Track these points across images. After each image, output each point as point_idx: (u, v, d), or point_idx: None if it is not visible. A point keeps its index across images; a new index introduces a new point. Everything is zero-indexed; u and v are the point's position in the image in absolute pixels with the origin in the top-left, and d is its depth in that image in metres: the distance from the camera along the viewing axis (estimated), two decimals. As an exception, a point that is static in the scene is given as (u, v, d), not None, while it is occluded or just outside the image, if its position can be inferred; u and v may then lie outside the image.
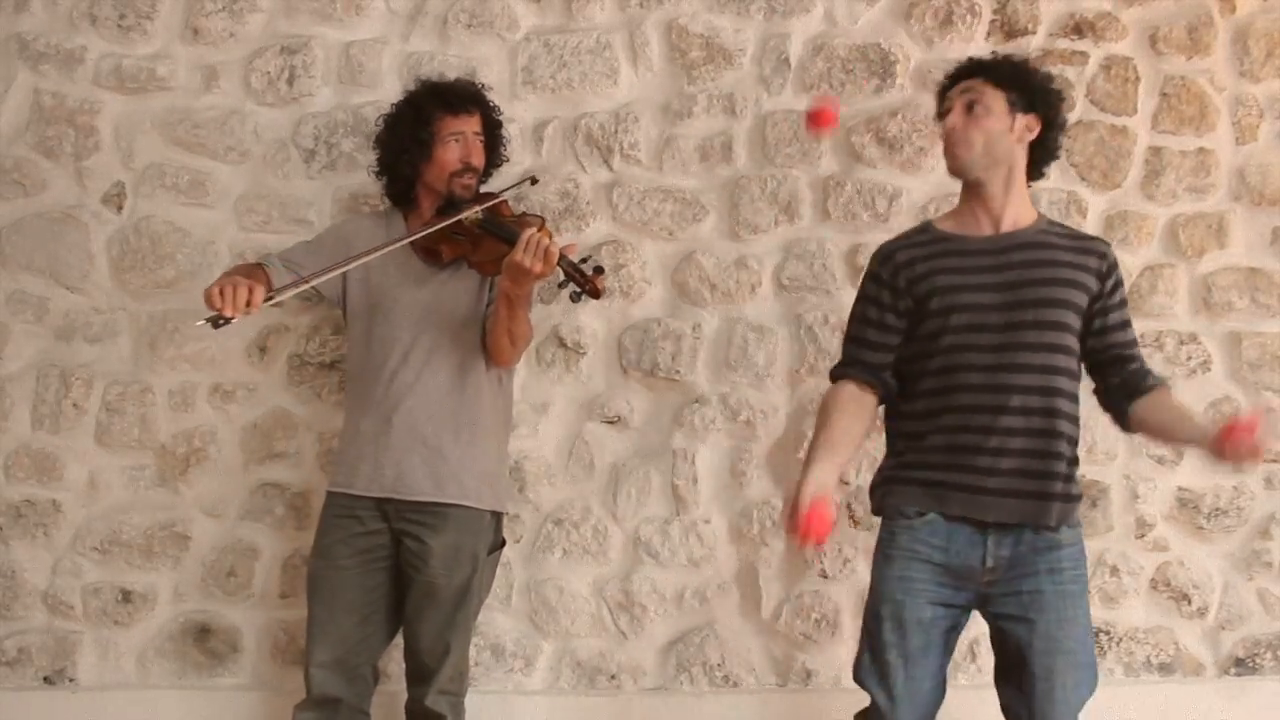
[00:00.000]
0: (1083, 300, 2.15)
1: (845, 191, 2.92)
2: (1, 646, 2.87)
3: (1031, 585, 2.08)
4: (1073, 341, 2.15)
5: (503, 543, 2.55)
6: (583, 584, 2.89)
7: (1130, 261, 2.94)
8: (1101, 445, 2.90)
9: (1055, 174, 2.92)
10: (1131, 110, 2.96)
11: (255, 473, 2.89)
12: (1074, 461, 2.15)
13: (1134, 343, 2.22)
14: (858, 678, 2.16)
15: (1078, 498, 2.16)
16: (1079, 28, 2.96)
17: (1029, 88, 2.20)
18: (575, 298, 2.35)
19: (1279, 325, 2.95)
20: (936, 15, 2.94)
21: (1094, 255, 2.18)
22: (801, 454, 2.84)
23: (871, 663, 2.13)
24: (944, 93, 2.26)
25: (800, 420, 2.88)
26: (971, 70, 2.22)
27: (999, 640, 2.15)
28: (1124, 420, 2.21)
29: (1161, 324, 2.94)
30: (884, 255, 2.26)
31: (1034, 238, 2.18)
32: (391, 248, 2.38)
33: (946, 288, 2.15)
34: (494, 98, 2.83)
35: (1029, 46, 2.94)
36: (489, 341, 2.42)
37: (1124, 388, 2.20)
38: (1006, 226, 2.19)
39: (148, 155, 2.92)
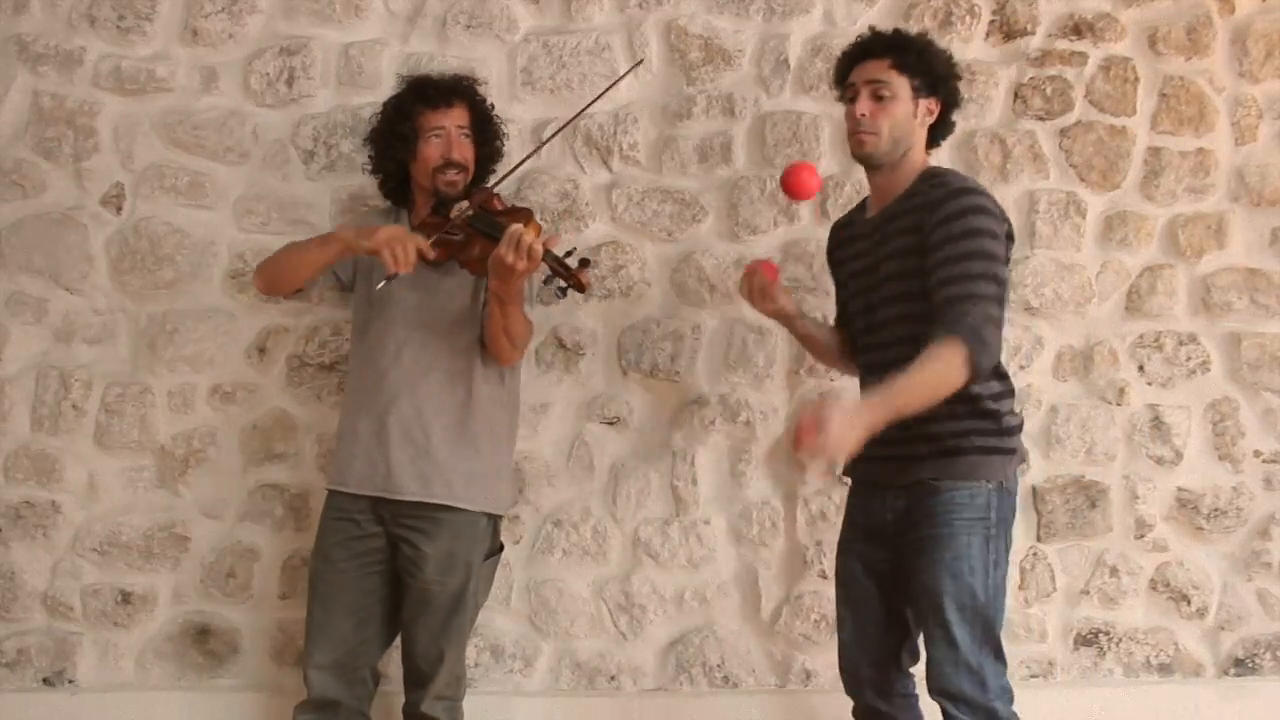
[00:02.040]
0: (917, 262, 2.12)
1: (844, 192, 2.92)
2: (1, 648, 2.87)
3: (915, 533, 2.15)
4: (926, 307, 2.08)
5: (500, 548, 2.55)
6: (582, 585, 2.89)
7: (1130, 262, 2.95)
8: (1101, 446, 2.91)
9: (1054, 174, 2.94)
10: (1130, 111, 2.96)
11: (254, 474, 2.89)
12: (954, 418, 2.09)
13: (942, 285, 2.05)
14: None
15: (971, 453, 2.13)
16: (1078, 28, 2.96)
17: (933, 73, 2.23)
18: (561, 293, 2.34)
19: (1278, 326, 2.95)
20: (935, 16, 2.94)
21: (923, 207, 2.13)
22: (800, 455, 2.86)
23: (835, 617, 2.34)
24: (845, 70, 2.28)
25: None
26: (875, 51, 2.23)
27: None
28: None
29: (1161, 324, 2.94)
30: (830, 233, 2.49)
31: (896, 208, 2.21)
32: (442, 233, 2.39)
33: (843, 275, 2.39)
34: (493, 99, 2.83)
35: (1028, 47, 2.94)
36: (488, 342, 2.42)
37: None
38: (888, 202, 2.24)
39: (147, 156, 2.92)
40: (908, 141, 2.22)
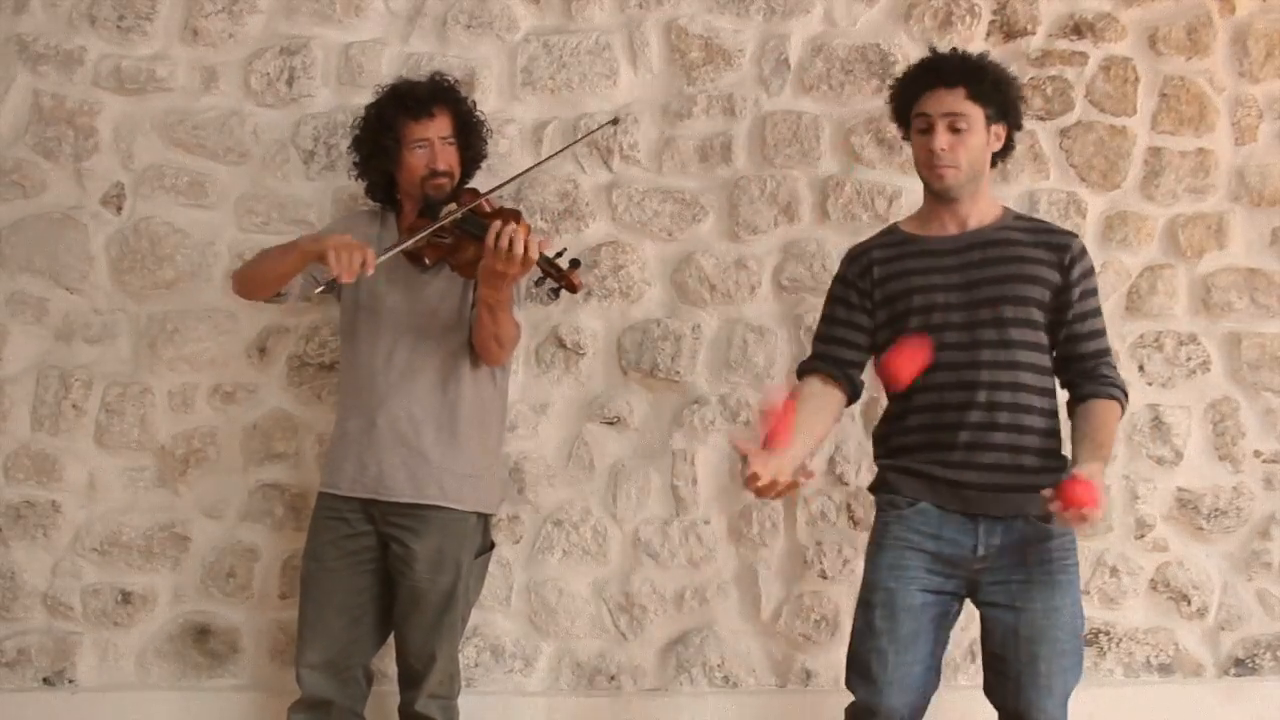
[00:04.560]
0: (1044, 294, 2.17)
1: (844, 192, 2.92)
2: (1, 647, 2.87)
3: (1021, 575, 2.11)
4: (1037, 336, 2.17)
5: (491, 545, 2.55)
6: (582, 585, 2.89)
7: (1130, 262, 2.95)
8: (1101, 446, 2.90)
9: (1055, 174, 2.94)
10: (1131, 111, 2.96)
11: (255, 474, 2.89)
12: (1050, 453, 2.17)
13: (1092, 338, 2.20)
14: (849, 667, 2.18)
15: None
16: (1078, 28, 2.96)
17: (1005, 101, 2.22)
18: (553, 294, 2.33)
19: (1278, 326, 2.95)
20: (936, 16, 2.94)
21: (1055, 249, 2.19)
22: (801, 455, 2.86)
23: (864, 650, 2.15)
24: (913, 96, 2.23)
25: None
26: (949, 79, 2.18)
27: (986, 627, 2.17)
28: (1075, 409, 2.23)
29: (1161, 324, 2.94)
30: (851, 257, 2.34)
31: (995, 234, 2.21)
32: (398, 250, 2.36)
33: (909, 290, 2.21)
34: (493, 98, 2.84)
35: (1028, 47, 2.94)
36: (476, 345, 2.41)
37: (1074, 384, 2.22)
38: (972, 225, 2.23)
39: (147, 156, 2.92)
40: (982, 170, 2.22)
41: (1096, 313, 2.21)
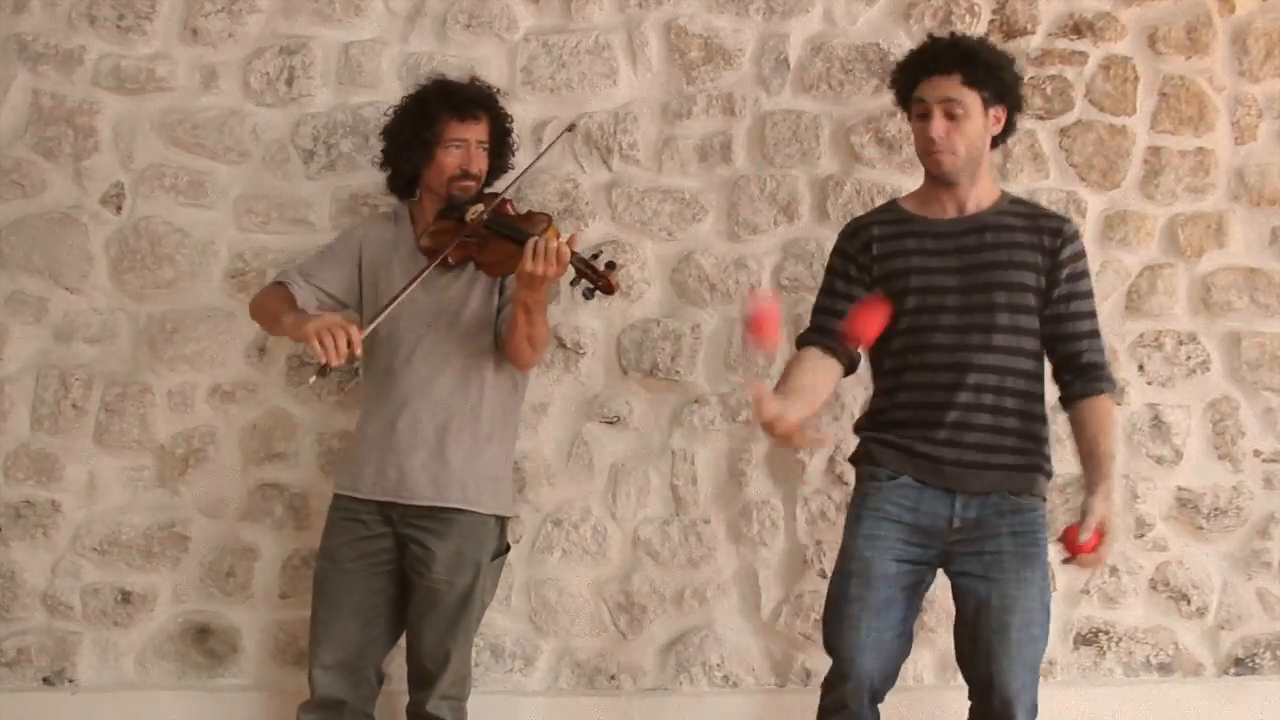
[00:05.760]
0: (1036, 280, 2.21)
1: (844, 192, 2.91)
2: (1, 647, 2.86)
3: (994, 546, 2.17)
4: (1029, 321, 2.21)
5: (507, 547, 2.55)
6: (582, 584, 2.89)
7: (1129, 261, 2.95)
8: (1101, 445, 2.90)
9: (1054, 174, 2.94)
10: (1130, 110, 2.96)
11: (254, 473, 2.89)
12: (1030, 436, 2.22)
13: (1080, 320, 2.24)
14: (825, 632, 2.24)
15: (1041, 471, 2.24)
16: (1078, 28, 2.96)
17: (1001, 83, 2.25)
18: (588, 294, 2.33)
19: (1278, 325, 2.95)
20: (936, 15, 2.94)
21: (1047, 233, 2.23)
22: (801, 454, 2.86)
23: (837, 616, 2.20)
24: (910, 83, 2.27)
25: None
26: (944, 65, 2.21)
27: (958, 596, 2.22)
28: (1067, 411, 2.29)
29: (1161, 324, 2.94)
30: (851, 231, 2.36)
31: (993, 219, 2.25)
32: (423, 274, 2.36)
33: (906, 270, 2.24)
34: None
35: (1028, 46, 2.94)
36: (508, 347, 2.41)
37: (1062, 379, 2.27)
38: (970, 209, 2.26)
39: (147, 156, 2.92)
40: (981, 154, 2.25)
41: (1085, 295, 2.25)
